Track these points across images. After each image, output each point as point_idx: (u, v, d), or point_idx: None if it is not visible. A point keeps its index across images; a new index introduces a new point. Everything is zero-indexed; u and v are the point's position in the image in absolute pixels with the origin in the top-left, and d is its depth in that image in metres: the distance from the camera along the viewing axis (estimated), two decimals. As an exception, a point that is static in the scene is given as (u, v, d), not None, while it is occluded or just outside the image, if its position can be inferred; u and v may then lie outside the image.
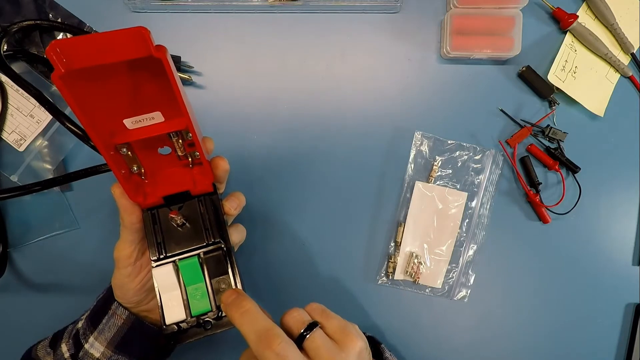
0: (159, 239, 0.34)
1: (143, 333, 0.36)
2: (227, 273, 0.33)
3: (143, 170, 0.35)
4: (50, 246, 0.47)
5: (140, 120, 0.31)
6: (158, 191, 0.35)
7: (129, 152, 0.33)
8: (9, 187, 0.39)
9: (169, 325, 0.31)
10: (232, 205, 0.37)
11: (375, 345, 0.40)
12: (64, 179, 0.38)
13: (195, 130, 0.31)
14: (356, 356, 0.30)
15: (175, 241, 0.34)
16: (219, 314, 0.32)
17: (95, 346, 0.35)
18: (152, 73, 0.28)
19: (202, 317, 0.32)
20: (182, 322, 0.32)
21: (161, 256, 0.33)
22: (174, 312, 0.31)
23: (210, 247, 0.34)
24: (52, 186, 0.39)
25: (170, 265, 0.32)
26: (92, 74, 0.26)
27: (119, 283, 0.35)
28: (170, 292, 0.32)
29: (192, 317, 0.32)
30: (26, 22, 0.45)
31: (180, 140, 0.34)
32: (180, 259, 0.33)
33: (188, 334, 0.32)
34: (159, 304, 0.32)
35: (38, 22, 0.46)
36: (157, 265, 0.33)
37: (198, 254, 0.33)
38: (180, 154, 0.35)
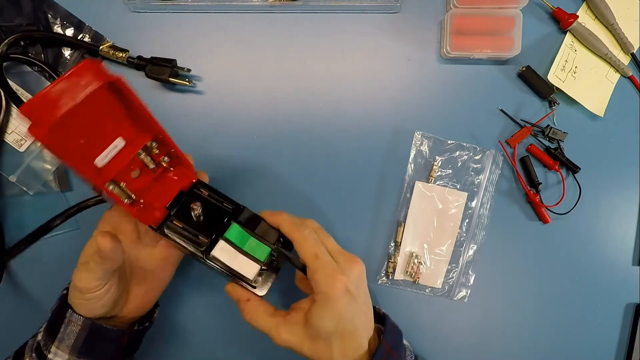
0: (192, 237, 0.36)
1: (103, 336, 0.36)
2: (258, 217, 0.38)
3: (134, 197, 0.35)
4: (49, 247, 0.47)
5: (107, 154, 0.31)
6: (158, 205, 0.36)
7: (117, 187, 0.33)
8: (22, 240, 0.43)
9: (254, 278, 0.36)
10: (205, 178, 0.40)
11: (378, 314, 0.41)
12: (78, 209, 0.42)
13: (165, 131, 0.33)
14: (357, 276, 0.35)
15: (204, 228, 0.37)
16: (279, 243, 0.37)
17: (58, 354, 0.35)
18: (107, 101, 0.29)
19: (270, 257, 0.37)
20: (260, 270, 0.36)
21: (205, 246, 0.36)
22: (250, 269, 0.36)
23: (234, 209, 0.38)
24: (69, 218, 0.43)
25: (221, 242, 0.36)
26: (65, 120, 0.26)
27: (82, 305, 0.35)
28: (235, 259, 0.36)
29: (263, 261, 0.36)
30: (15, 36, 0.45)
31: (148, 156, 0.35)
32: (223, 234, 0.36)
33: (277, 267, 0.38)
34: (238, 274, 0.36)
35: (30, 31, 0.46)
36: (212, 250, 0.36)
37: (230, 222, 0.37)
38: (151, 167, 0.36)
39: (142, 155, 0.34)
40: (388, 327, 0.37)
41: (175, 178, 0.37)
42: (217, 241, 0.36)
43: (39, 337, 0.37)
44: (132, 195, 0.34)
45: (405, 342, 0.39)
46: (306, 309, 0.35)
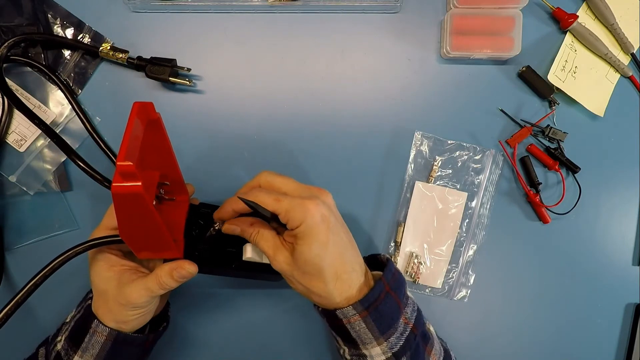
0: (222, 252, 0.38)
1: (129, 343, 0.36)
2: (251, 204, 0.38)
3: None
4: (49, 247, 0.47)
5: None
6: (178, 237, 0.37)
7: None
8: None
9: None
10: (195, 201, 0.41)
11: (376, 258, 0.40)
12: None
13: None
14: (330, 202, 0.35)
15: (225, 241, 0.38)
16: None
17: None
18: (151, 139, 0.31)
19: None
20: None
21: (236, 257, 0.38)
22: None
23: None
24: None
25: (248, 245, 0.38)
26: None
27: (123, 319, 0.35)
28: (263, 254, 0.37)
29: None
30: (15, 38, 0.45)
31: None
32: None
33: None
34: (267, 266, 0.36)
35: (30, 34, 0.46)
36: (243, 256, 0.38)
37: None
38: (167, 197, 0.37)
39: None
40: (389, 268, 0.36)
41: (178, 205, 0.38)
42: (242, 248, 0.38)
43: (59, 346, 0.37)
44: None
45: (409, 293, 0.38)
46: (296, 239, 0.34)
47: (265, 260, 0.37)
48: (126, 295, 0.34)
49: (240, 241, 0.38)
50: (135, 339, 0.36)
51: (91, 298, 0.37)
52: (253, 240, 0.36)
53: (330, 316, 0.35)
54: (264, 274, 0.39)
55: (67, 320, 0.39)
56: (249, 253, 0.38)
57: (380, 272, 0.36)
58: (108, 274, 0.35)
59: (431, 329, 0.39)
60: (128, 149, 0.25)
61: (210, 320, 0.48)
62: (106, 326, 0.35)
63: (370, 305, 0.33)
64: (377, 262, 0.39)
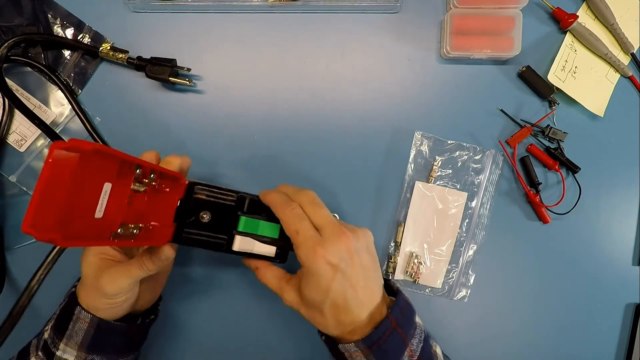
0: (209, 241, 0.38)
1: (111, 331, 0.36)
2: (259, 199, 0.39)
3: (141, 225, 0.35)
4: (48, 247, 0.47)
5: (102, 204, 0.31)
6: (166, 222, 0.36)
7: (127, 230, 0.33)
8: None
9: (275, 255, 0.39)
10: (175, 167, 0.38)
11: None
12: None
13: (146, 161, 0.33)
14: (345, 249, 0.34)
15: (216, 227, 0.38)
16: None
17: (67, 351, 0.35)
18: (84, 165, 0.28)
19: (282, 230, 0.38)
20: (278, 248, 0.39)
21: (225, 244, 0.38)
22: (269, 249, 0.39)
23: (235, 201, 0.39)
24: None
25: (237, 236, 0.38)
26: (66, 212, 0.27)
27: (104, 310, 0.35)
28: (254, 245, 0.39)
29: (277, 238, 0.39)
30: (16, 38, 0.45)
31: (136, 182, 0.34)
32: (235, 229, 0.38)
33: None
34: (261, 255, 0.39)
35: (30, 34, 0.46)
36: (232, 245, 0.38)
37: (238, 214, 0.39)
38: (142, 189, 0.35)
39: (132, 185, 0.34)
40: (398, 302, 0.36)
41: (168, 190, 0.37)
42: (233, 236, 0.38)
43: (46, 335, 0.37)
44: (140, 225, 0.35)
45: (417, 320, 0.37)
46: (302, 275, 0.36)
47: (256, 251, 0.38)
48: (100, 280, 0.34)
49: (230, 227, 0.38)
50: (117, 327, 0.36)
51: (75, 285, 0.38)
52: (259, 279, 0.39)
53: (333, 347, 0.35)
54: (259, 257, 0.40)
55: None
56: (236, 246, 0.38)
57: (393, 299, 0.37)
58: (92, 259, 0.35)
59: (438, 351, 0.39)
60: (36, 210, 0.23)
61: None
62: (88, 312, 0.35)
63: (374, 344, 0.33)
64: (387, 286, 0.39)
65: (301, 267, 0.34)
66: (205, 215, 0.38)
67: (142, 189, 0.35)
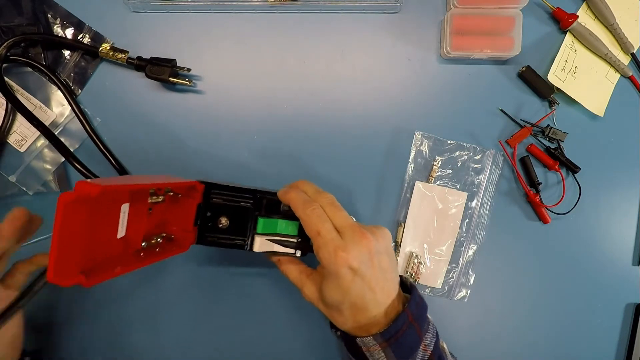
0: (231, 243, 0.39)
1: None
2: (274, 194, 0.40)
3: (164, 234, 0.36)
4: (48, 247, 0.47)
5: (122, 224, 0.32)
6: (187, 228, 0.37)
7: (150, 242, 0.35)
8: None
9: (295, 251, 0.40)
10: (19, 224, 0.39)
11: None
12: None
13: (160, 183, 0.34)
14: (366, 252, 0.34)
15: (236, 229, 0.40)
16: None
17: None
18: (99, 204, 0.29)
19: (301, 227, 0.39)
20: (297, 244, 0.40)
21: (247, 245, 0.40)
22: (289, 248, 0.40)
23: (252, 203, 0.40)
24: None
25: (257, 237, 0.40)
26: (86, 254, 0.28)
27: None
28: (273, 246, 0.40)
29: (296, 235, 0.40)
30: (16, 38, 0.45)
31: (153, 195, 0.35)
32: (255, 231, 0.40)
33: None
34: (282, 253, 0.40)
35: (30, 34, 0.46)
36: (252, 247, 0.40)
37: (255, 215, 0.40)
38: (160, 200, 0.36)
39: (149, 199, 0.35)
40: (414, 298, 0.36)
41: (186, 197, 0.38)
42: (254, 237, 0.40)
43: None
44: (163, 234, 0.36)
45: (429, 316, 0.39)
46: (322, 274, 0.36)
47: (276, 249, 0.39)
48: None
49: (250, 227, 0.40)
50: None
51: None
52: (282, 271, 0.40)
53: (350, 341, 0.36)
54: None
55: None
56: (257, 247, 0.40)
57: (407, 295, 0.37)
58: None
59: (445, 346, 0.40)
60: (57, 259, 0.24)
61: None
62: None
63: (392, 337, 0.34)
64: (400, 281, 0.39)
65: (320, 265, 0.35)
66: (223, 221, 0.39)
67: (160, 199, 0.36)
